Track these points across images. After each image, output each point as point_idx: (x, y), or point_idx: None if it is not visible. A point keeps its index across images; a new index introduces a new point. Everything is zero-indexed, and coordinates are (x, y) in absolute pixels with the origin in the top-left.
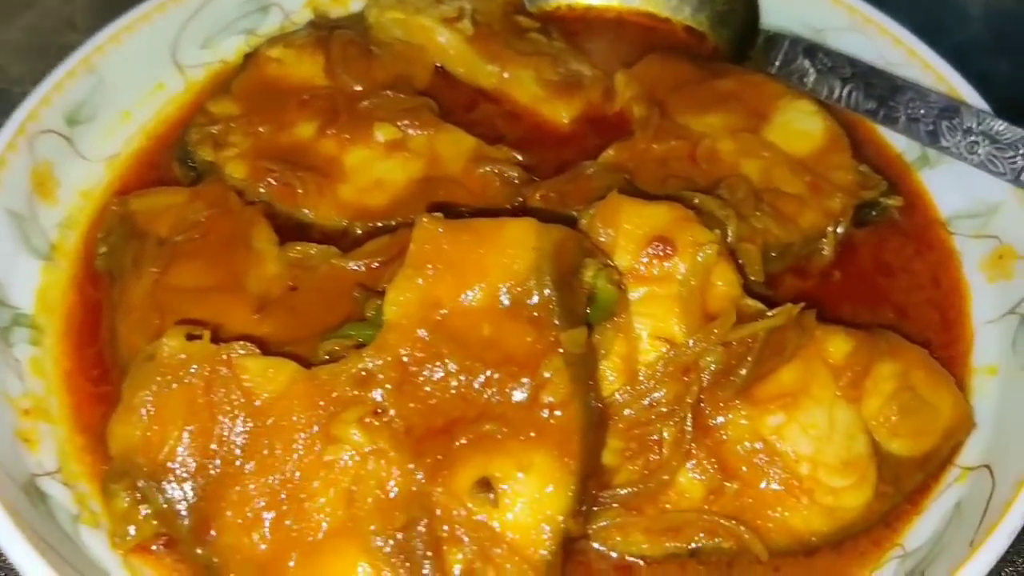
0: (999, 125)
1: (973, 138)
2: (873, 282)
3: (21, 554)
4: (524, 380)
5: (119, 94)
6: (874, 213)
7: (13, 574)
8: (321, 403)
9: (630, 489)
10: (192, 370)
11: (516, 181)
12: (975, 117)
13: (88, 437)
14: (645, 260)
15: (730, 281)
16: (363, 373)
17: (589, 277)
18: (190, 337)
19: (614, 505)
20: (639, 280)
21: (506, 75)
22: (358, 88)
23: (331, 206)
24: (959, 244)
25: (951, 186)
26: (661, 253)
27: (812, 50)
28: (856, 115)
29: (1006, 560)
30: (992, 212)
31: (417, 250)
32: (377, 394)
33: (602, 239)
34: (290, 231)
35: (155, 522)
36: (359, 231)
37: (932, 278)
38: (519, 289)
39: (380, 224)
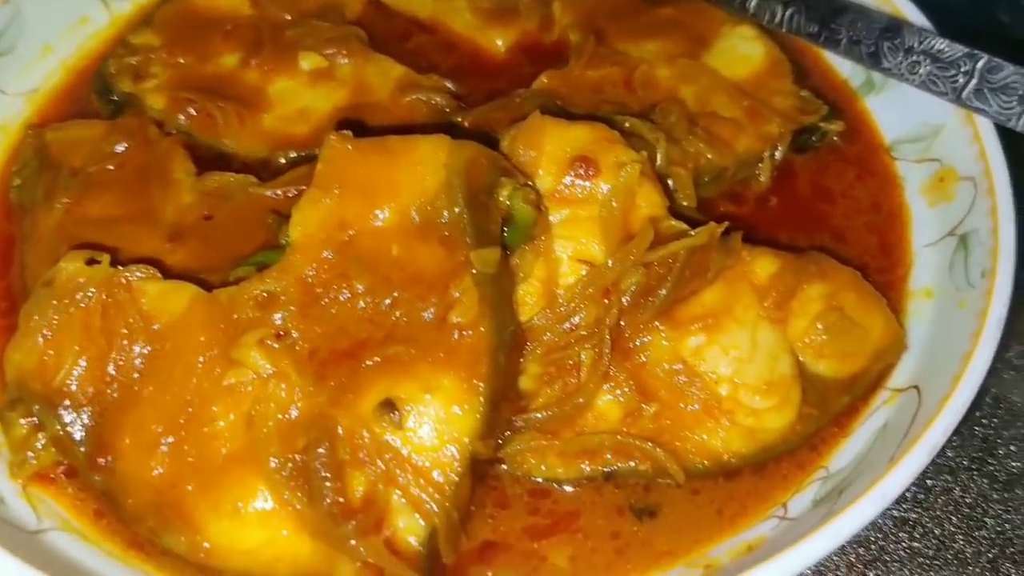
0: (941, 43)
1: (914, 58)
2: (812, 207)
3: None
4: (433, 300)
5: (39, 27)
6: (814, 138)
7: None
8: (221, 326)
9: (546, 413)
10: (89, 294)
11: (445, 108)
12: (916, 36)
13: None
14: (567, 181)
15: (654, 202)
16: (264, 295)
17: (504, 197)
18: (90, 262)
19: (530, 429)
20: (561, 202)
21: (440, 3)
22: (286, 17)
23: (252, 136)
24: (902, 169)
25: (896, 111)
26: (583, 173)
27: None
28: (801, 41)
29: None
30: (934, 135)
31: (325, 169)
32: (279, 316)
33: (523, 160)
34: (212, 162)
35: (53, 449)
36: (282, 161)
37: (872, 203)
38: (429, 207)
39: (303, 154)
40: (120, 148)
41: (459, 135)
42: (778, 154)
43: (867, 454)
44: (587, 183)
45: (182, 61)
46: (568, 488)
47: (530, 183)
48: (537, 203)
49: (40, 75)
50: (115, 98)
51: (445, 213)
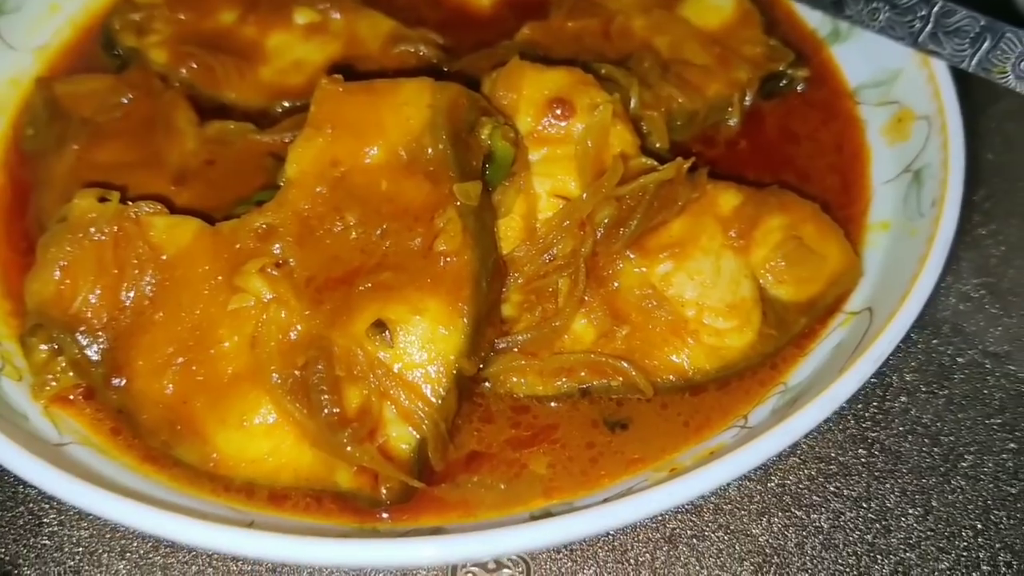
0: None
1: (874, 4)
2: (779, 150)
3: None
4: (420, 230)
5: None
6: (782, 84)
7: None
8: (224, 256)
9: (526, 335)
10: (102, 227)
11: (432, 60)
12: None
13: (14, 303)
14: (545, 122)
15: (627, 141)
16: (264, 227)
17: (485, 135)
18: (101, 200)
19: (511, 351)
20: (539, 141)
21: None
22: None
23: (251, 88)
24: (864, 113)
25: (859, 59)
26: (560, 114)
27: None
28: None
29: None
30: (894, 79)
31: (317, 111)
32: (277, 247)
33: (504, 103)
34: (213, 112)
35: (72, 373)
36: (279, 110)
37: (836, 145)
38: (415, 145)
39: (299, 103)
40: (126, 99)
41: (443, 79)
42: (747, 99)
43: (822, 370)
44: (563, 123)
45: (182, 17)
46: (547, 404)
47: (509, 123)
48: (516, 141)
49: (48, 31)
50: (120, 53)
51: (430, 150)
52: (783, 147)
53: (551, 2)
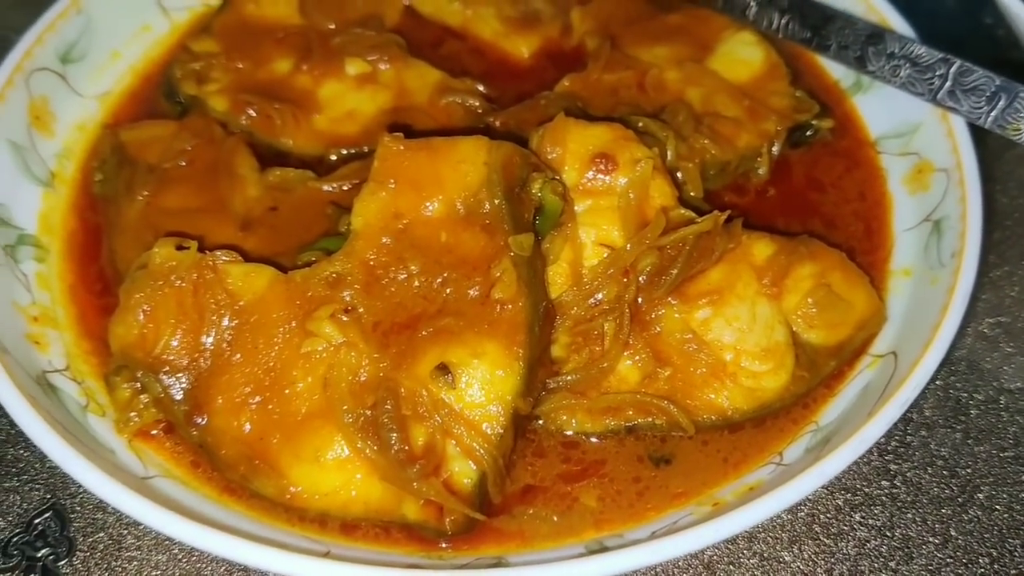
0: (919, 49)
1: (896, 62)
2: (805, 197)
3: (40, 432)
4: (477, 279)
5: (108, 35)
6: (808, 134)
7: None
8: (297, 302)
9: (575, 376)
10: (181, 275)
11: (478, 110)
12: (898, 42)
13: (93, 342)
14: (589, 175)
15: (665, 193)
16: (334, 276)
17: (536, 189)
18: (179, 248)
19: (561, 390)
20: (584, 193)
21: (470, 12)
22: (331, 26)
23: (307, 135)
24: (885, 162)
25: (881, 110)
26: (603, 168)
27: None
28: (795, 45)
29: None
30: (914, 131)
31: (380, 166)
32: (347, 294)
33: (551, 156)
34: (271, 159)
35: (154, 409)
36: (333, 158)
37: (859, 192)
38: (472, 200)
39: (353, 151)
40: (189, 146)
41: (493, 136)
42: (775, 149)
43: (851, 410)
44: (607, 177)
45: (240, 66)
46: (595, 440)
47: (557, 177)
48: (564, 194)
49: (111, 79)
50: (181, 100)
51: (486, 204)
52: (810, 195)
53: (587, 54)
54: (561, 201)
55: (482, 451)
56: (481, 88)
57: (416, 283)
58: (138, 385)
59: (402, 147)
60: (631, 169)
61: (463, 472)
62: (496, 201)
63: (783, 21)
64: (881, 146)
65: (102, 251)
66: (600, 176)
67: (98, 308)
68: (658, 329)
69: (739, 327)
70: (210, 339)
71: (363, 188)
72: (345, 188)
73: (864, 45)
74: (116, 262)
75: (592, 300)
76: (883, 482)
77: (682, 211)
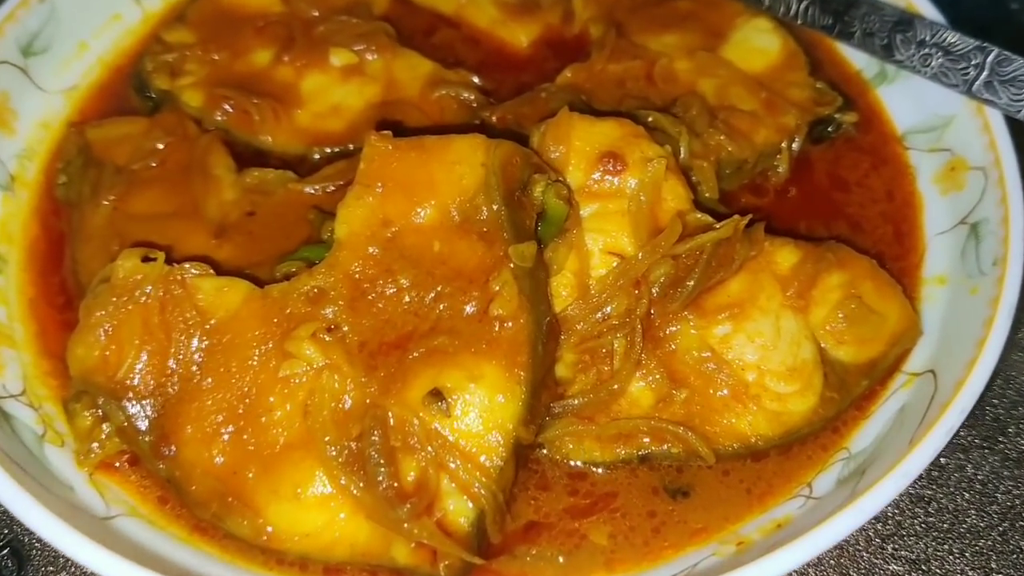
0: (952, 37)
1: (926, 51)
2: (829, 197)
3: None
4: (474, 294)
5: (74, 25)
6: (830, 129)
7: None
8: (275, 320)
9: (582, 399)
10: (147, 290)
11: (473, 104)
12: (928, 29)
13: (53, 362)
14: (596, 176)
15: (679, 195)
16: (315, 290)
17: (538, 192)
18: (145, 259)
19: (567, 415)
20: (591, 196)
21: None
22: (314, 14)
23: (288, 132)
24: (914, 159)
25: (907, 102)
26: (611, 169)
27: None
28: (814, 33)
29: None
30: (945, 125)
31: (366, 168)
32: (329, 310)
33: (553, 156)
34: (249, 158)
35: (117, 439)
36: (317, 157)
37: (887, 192)
38: (468, 205)
39: (338, 149)
40: (161, 145)
41: (491, 134)
42: (796, 145)
43: (886, 435)
44: (615, 178)
45: (216, 58)
46: (605, 470)
47: (561, 179)
48: (569, 198)
49: (78, 72)
50: (152, 95)
51: (484, 210)
52: (833, 194)
53: (591, 43)
54: (566, 206)
55: (480, 486)
56: (476, 80)
57: (406, 298)
58: (100, 412)
59: (391, 146)
60: (642, 169)
61: (459, 510)
62: (495, 206)
63: (802, 7)
64: (909, 141)
65: (64, 261)
66: (608, 177)
67: (59, 324)
68: (673, 346)
69: (762, 344)
70: (178, 362)
71: (348, 192)
72: (329, 190)
73: (891, 32)
74: (79, 273)
75: (600, 314)
76: (916, 510)
77: (698, 215)
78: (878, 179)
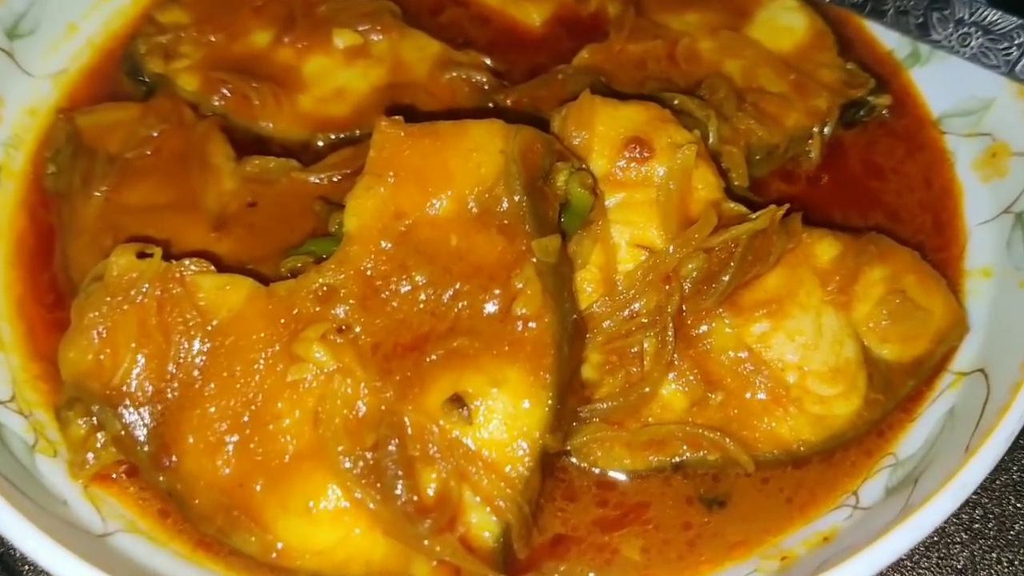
0: (992, 15)
1: (965, 29)
2: (863, 185)
3: None
4: (495, 291)
5: (63, 5)
6: (862, 113)
7: None
8: (281, 321)
9: (611, 403)
10: (143, 289)
11: (485, 86)
12: (967, 7)
13: (44, 365)
14: (621, 164)
15: (710, 184)
16: (324, 288)
17: (561, 182)
18: (141, 255)
19: (595, 420)
20: (616, 185)
21: None
22: None
23: (290, 118)
24: (951, 144)
25: (943, 84)
26: (638, 156)
27: None
28: (843, 10)
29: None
30: (985, 108)
31: (377, 156)
32: (340, 310)
33: (576, 142)
34: (249, 145)
35: (113, 449)
36: (321, 144)
37: (924, 179)
38: (487, 195)
39: (343, 135)
40: (156, 132)
41: (506, 118)
42: (827, 130)
43: (937, 440)
44: (642, 166)
45: (213, 39)
46: (636, 479)
47: (585, 167)
48: (594, 187)
49: (67, 55)
50: (146, 79)
51: (504, 201)
52: (868, 182)
53: (608, 22)
54: (591, 195)
55: (504, 499)
56: (488, 61)
57: (422, 296)
58: (94, 420)
59: (402, 133)
60: (670, 156)
61: (483, 524)
62: (515, 197)
63: None
64: (945, 125)
65: (55, 256)
66: (634, 164)
67: (49, 324)
68: (707, 346)
69: (803, 343)
70: (178, 366)
71: (357, 182)
72: (335, 179)
73: (927, 10)
74: (70, 270)
75: (628, 311)
76: (962, 515)
77: (731, 205)
78: (914, 166)
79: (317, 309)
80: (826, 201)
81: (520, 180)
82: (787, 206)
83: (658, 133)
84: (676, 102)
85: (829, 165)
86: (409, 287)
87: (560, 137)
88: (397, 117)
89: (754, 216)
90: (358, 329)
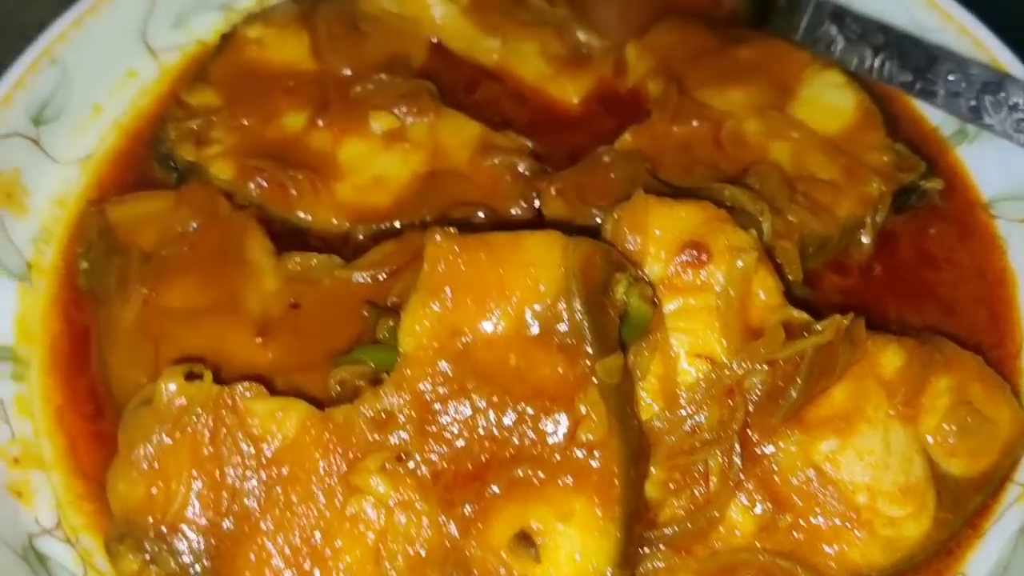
0: None
1: (1020, 115)
2: (917, 276)
3: None
4: (558, 416)
5: (87, 86)
6: (913, 198)
7: None
8: (339, 450)
9: (677, 528)
10: (195, 417)
11: (527, 173)
12: (1021, 91)
13: (87, 483)
14: (678, 268)
15: (770, 289)
16: (382, 414)
17: (620, 294)
18: (189, 376)
19: (661, 546)
20: (672, 290)
21: (508, 50)
22: (348, 72)
23: (328, 207)
24: (1003, 229)
25: (993, 164)
26: (695, 260)
27: (839, 15)
28: (888, 87)
29: None
30: None
31: (430, 272)
32: (399, 437)
33: (630, 246)
34: (286, 237)
35: None
36: (361, 236)
37: (978, 269)
38: (546, 313)
39: (384, 227)
40: (191, 227)
41: (562, 227)
42: (879, 218)
43: (1011, 562)
44: (700, 270)
45: (245, 123)
46: None
47: (644, 276)
48: (653, 298)
49: (93, 138)
50: (177, 166)
51: (564, 318)
52: (921, 272)
53: (647, 100)
54: (651, 307)
55: None
56: (528, 144)
57: (482, 421)
58: (146, 556)
59: (456, 247)
60: (729, 260)
61: None
62: (577, 315)
63: (877, 60)
64: (996, 209)
65: (92, 362)
66: (691, 269)
67: (91, 436)
68: (774, 465)
69: (872, 461)
70: (233, 498)
71: (410, 299)
72: (380, 278)
73: (980, 93)
74: (110, 380)
75: (689, 426)
76: None
77: (793, 313)
78: (967, 254)
79: (375, 437)
80: (881, 295)
81: (580, 295)
82: (851, 315)
83: (715, 235)
84: (727, 193)
85: (881, 254)
86: (469, 411)
87: (613, 241)
88: (450, 229)
89: (820, 327)
90: (418, 457)
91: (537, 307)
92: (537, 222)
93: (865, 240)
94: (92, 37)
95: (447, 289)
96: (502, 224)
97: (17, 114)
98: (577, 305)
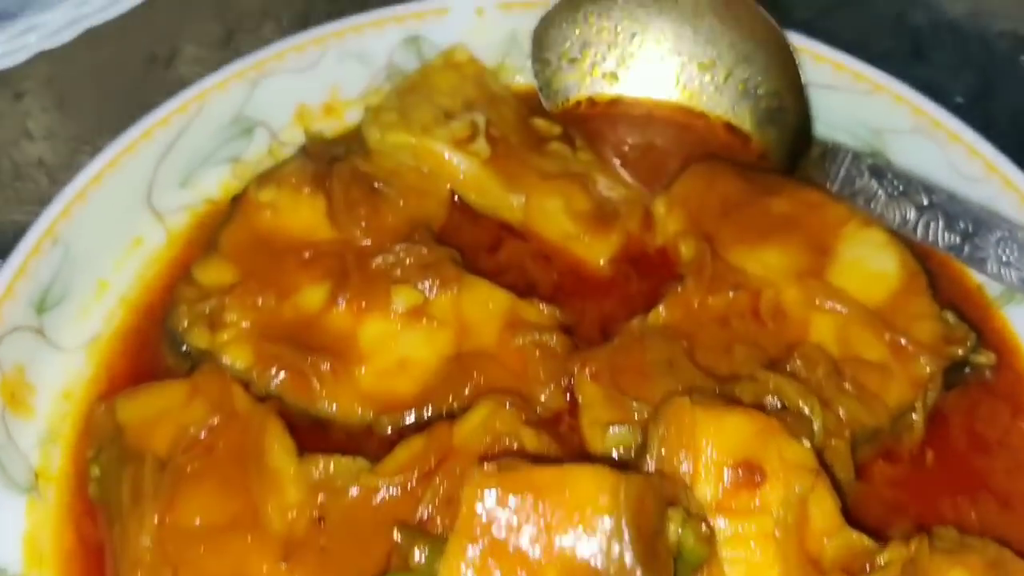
0: None
1: None
2: (970, 463)
3: None
4: None
5: (91, 261)
6: (964, 373)
7: None
8: None
9: None
10: None
11: (558, 350)
12: None
13: None
14: (729, 489)
15: (828, 512)
16: None
17: (674, 532)
18: None
19: None
20: (724, 514)
21: (532, 207)
22: (366, 241)
23: (351, 396)
24: None
25: None
26: (749, 482)
27: (879, 169)
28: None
29: None
30: None
31: (469, 514)
32: None
33: (679, 466)
34: (307, 431)
35: None
36: (388, 430)
37: None
38: (596, 560)
39: (411, 419)
40: (205, 429)
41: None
42: (930, 400)
43: None
44: (753, 492)
45: (260, 302)
46: None
47: (699, 513)
48: (708, 537)
49: (99, 319)
50: (190, 352)
51: (615, 566)
52: (975, 459)
53: (680, 265)
54: (706, 547)
55: None
56: (557, 315)
57: None
58: None
59: (498, 488)
60: (785, 480)
61: None
62: (628, 562)
63: (921, 219)
64: None
65: None
66: (744, 492)
67: None
68: None
69: None
70: None
71: (449, 543)
72: (409, 488)
73: None
74: None
75: None
76: None
77: (852, 535)
78: (1020, 436)
79: None
80: (934, 487)
81: (633, 541)
82: (915, 539)
83: (768, 452)
84: (772, 385)
85: (931, 437)
86: None
87: (661, 463)
88: (490, 466)
89: (883, 562)
90: None
91: (585, 554)
92: (582, 453)
93: (916, 424)
94: (96, 209)
95: (488, 533)
96: (547, 460)
97: (20, 307)
98: (628, 553)
